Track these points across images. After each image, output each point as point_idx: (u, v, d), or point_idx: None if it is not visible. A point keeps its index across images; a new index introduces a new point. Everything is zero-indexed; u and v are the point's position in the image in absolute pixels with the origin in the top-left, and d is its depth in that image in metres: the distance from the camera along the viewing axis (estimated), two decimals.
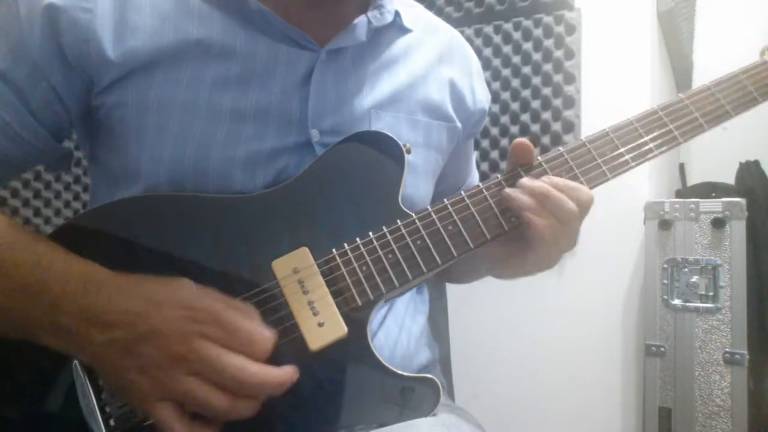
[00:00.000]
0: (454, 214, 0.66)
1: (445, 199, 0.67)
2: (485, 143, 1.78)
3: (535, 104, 1.71)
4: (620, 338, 1.64)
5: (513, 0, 1.73)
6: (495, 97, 1.75)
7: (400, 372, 0.63)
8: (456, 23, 1.81)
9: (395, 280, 0.63)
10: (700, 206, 1.46)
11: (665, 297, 1.48)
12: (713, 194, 1.70)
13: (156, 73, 0.65)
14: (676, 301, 1.47)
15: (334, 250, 0.63)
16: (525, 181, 0.66)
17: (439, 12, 1.82)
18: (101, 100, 0.67)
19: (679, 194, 1.97)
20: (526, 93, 1.73)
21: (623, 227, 1.60)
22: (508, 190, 0.67)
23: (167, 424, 0.53)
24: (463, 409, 0.78)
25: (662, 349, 1.47)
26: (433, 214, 0.66)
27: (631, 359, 1.62)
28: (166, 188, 0.66)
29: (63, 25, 0.63)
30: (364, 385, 0.62)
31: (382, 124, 0.73)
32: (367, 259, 0.63)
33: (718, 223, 1.43)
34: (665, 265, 1.49)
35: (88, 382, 0.57)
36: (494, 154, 1.77)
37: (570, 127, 1.66)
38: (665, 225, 1.49)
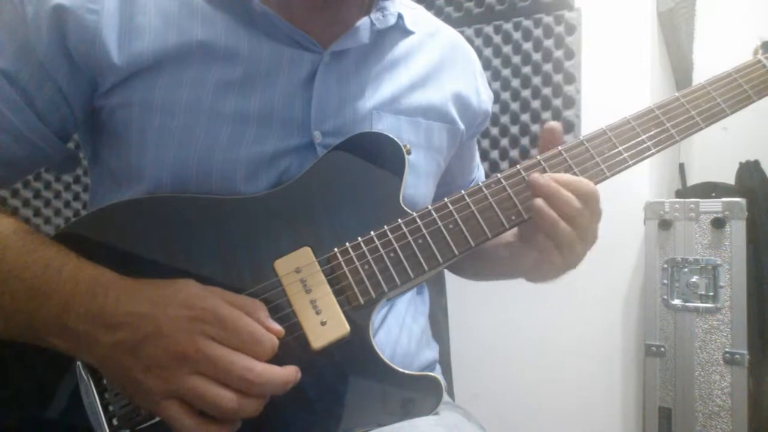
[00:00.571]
0: (455, 212, 0.66)
1: (445, 198, 0.67)
2: (485, 143, 1.78)
3: (535, 104, 1.71)
4: (620, 338, 1.64)
5: (513, 0, 1.73)
6: (495, 97, 1.75)
7: (402, 371, 0.63)
8: (456, 23, 1.81)
9: (397, 278, 0.63)
10: (700, 206, 1.46)
11: (665, 297, 1.48)
12: (713, 194, 1.70)
13: (160, 75, 0.66)
14: (676, 301, 1.47)
15: (335, 248, 0.64)
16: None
17: (439, 12, 1.83)
18: (105, 102, 0.67)
19: (679, 194, 1.97)
20: (526, 93, 1.73)
21: (623, 227, 1.59)
22: (535, 175, 0.67)
23: (178, 420, 0.53)
24: (464, 408, 0.78)
25: (662, 349, 1.47)
26: (434, 212, 0.66)
27: (631, 359, 1.62)
28: (169, 189, 0.66)
29: (70, 25, 0.63)
30: (366, 384, 0.62)
31: (383, 126, 0.74)
32: (369, 257, 0.64)
33: (718, 223, 1.43)
34: (665, 265, 1.49)
35: (91, 381, 0.57)
36: (494, 154, 1.77)
37: (570, 127, 1.66)
38: (665, 225, 1.49)
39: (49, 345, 0.57)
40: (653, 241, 1.51)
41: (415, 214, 0.66)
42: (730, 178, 1.81)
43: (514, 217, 0.67)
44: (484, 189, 0.68)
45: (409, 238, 0.65)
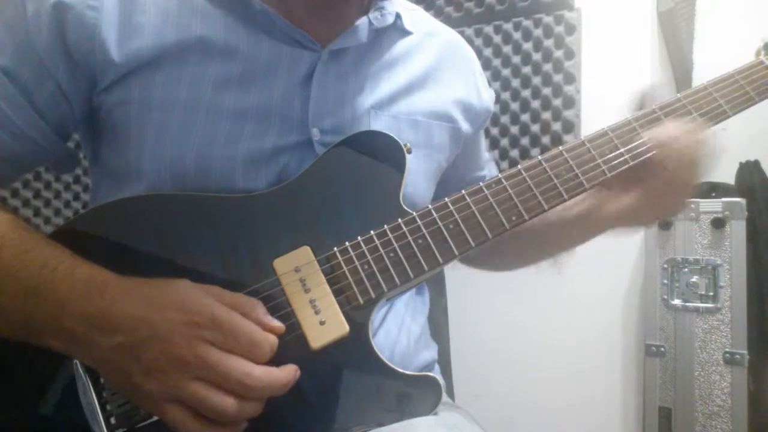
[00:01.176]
0: (455, 212, 0.66)
1: (446, 198, 0.67)
2: (485, 143, 1.78)
3: (535, 104, 1.71)
4: (620, 338, 1.64)
5: (513, 0, 1.73)
6: (495, 97, 1.75)
7: (401, 371, 0.63)
8: (456, 23, 1.81)
9: (397, 279, 0.63)
10: (700, 206, 1.46)
11: (665, 297, 1.48)
12: (713, 194, 1.70)
13: (159, 72, 0.66)
14: (676, 301, 1.47)
15: (335, 248, 0.63)
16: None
17: (439, 12, 1.83)
18: (104, 99, 0.67)
19: None
20: (526, 93, 1.73)
21: None
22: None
23: (181, 423, 0.53)
24: (463, 408, 0.78)
25: (662, 349, 1.47)
26: (434, 212, 0.66)
27: (631, 359, 1.62)
28: (168, 187, 0.66)
29: (70, 22, 0.63)
30: (365, 384, 0.62)
31: (381, 125, 0.74)
32: (369, 257, 0.63)
33: (718, 223, 1.43)
34: (665, 265, 1.49)
35: (89, 381, 0.57)
36: (494, 154, 1.77)
37: (570, 127, 1.66)
38: (665, 225, 1.49)
39: (45, 345, 0.56)
40: (653, 241, 1.51)
41: (415, 213, 0.66)
42: (730, 178, 1.81)
43: (514, 217, 0.67)
44: (484, 189, 0.68)
45: (409, 238, 0.65)
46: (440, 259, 0.64)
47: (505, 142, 1.76)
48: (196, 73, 0.66)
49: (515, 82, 1.74)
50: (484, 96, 0.88)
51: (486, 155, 1.00)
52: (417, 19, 0.83)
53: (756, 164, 1.77)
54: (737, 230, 1.42)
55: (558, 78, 1.68)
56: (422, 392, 0.63)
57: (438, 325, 0.98)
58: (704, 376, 1.42)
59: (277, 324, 0.57)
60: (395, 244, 0.64)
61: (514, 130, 1.75)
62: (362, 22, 0.73)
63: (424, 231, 0.65)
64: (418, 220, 0.65)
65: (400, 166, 0.68)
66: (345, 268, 0.63)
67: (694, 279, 1.45)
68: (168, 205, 0.65)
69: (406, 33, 0.80)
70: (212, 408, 0.52)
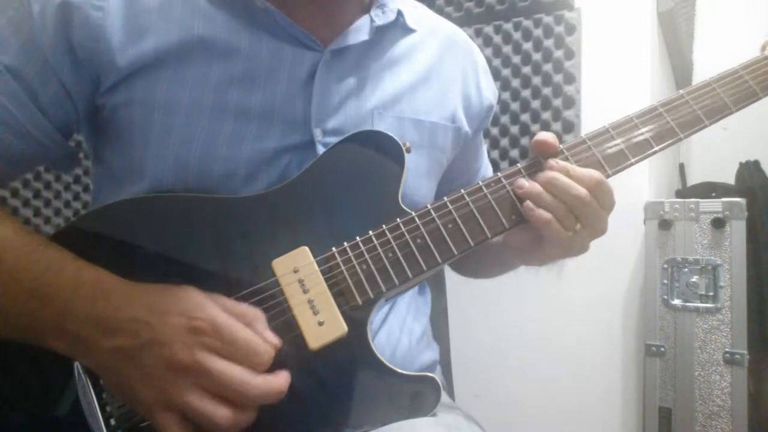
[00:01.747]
0: (454, 212, 0.66)
1: (445, 198, 0.67)
2: (485, 143, 1.78)
3: (535, 104, 1.71)
4: (620, 338, 1.63)
5: (513, 0, 1.73)
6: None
7: (399, 371, 0.63)
8: (456, 23, 1.79)
9: (395, 278, 0.63)
10: (700, 206, 1.46)
11: (665, 297, 1.48)
12: (713, 194, 1.70)
13: (162, 73, 0.66)
14: (676, 301, 1.47)
15: (334, 248, 0.63)
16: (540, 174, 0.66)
17: (439, 12, 1.81)
18: (107, 100, 0.67)
19: (679, 194, 1.97)
20: (526, 93, 1.73)
21: (623, 227, 1.59)
22: (520, 180, 0.67)
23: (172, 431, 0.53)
24: (463, 409, 0.78)
25: (662, 349, 1.47)
26: (432, 212, 0.66)
27: (631, 359, 1.62)
28: (171, 187, 0.66)
29: (75, 21, 0.64)
30: (363, 385, 0.62)
31: (384, 125, 0.73)
32: (367, 257, 0.63)
33: (718, 223, 1.43)
34: (665, 265, 1.49)
35: (89, 382, 0.57)
36: (494, 154, 1.77)
37: (570, 127, 1.66)
38: (665, 225, 1.49)
39: (48, 347, 0.57)
40: (653, 241, 1.50)
41: (413, 213, 0.66)
42: (730, 178, 1.81)
43: (514, 216, 0.67)
44: (484, 188, 0.67)
45: (408, 238, 0.64)
46: (439, 259, 0.64)
47: (505, 142, 1.76)
48: (199, 74, 0.66)
49: (515, 82, 1.74)
50: (486, 93, 0.87)
51: (485, 152, 1.00)
52: (420, 17, 0.83)
53: (756, 164, 1.77)
54: (737, 230, 1.42)
55: (558, 78, 1.68)
56: (421, 392, 0.63)
57: (438, 326, 0.98)
58: (704, 376, 1.42)
59: (273, 340, 0.57)
60: (394, 244, 0.64)
61: (514, 130, 1.75)
62: (363, 19, 0.73)
63: (423, 231, 0.65)
64: (416, 219, 0.65)
65: (399, 165, 0.68)
66: (343, 268, 0.63)
67: (694, 279, 1.45)
68: (167, 206, 0.65)
69: (409, 31, 0.80)
70: (206, 419, 0.53)
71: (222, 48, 0.67)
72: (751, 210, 1.45)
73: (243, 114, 0.67)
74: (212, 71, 0.67)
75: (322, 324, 0.60)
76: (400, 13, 0.77)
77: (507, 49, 1.75)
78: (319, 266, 0.62)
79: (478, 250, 0.67)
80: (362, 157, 0.68)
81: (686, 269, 1.46)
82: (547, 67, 1.69)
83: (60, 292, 0.56)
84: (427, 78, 0.79)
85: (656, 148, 0.71)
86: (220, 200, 0.65)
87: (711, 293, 1.43)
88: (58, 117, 0.67)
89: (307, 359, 0.60)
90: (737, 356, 1.39)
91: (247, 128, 0.67)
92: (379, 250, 0.64)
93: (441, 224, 0.65)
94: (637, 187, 1.59)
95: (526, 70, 1.72)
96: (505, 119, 1.76)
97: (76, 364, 0.57)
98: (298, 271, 0.62)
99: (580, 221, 0.66)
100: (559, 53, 1.67)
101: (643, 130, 0.71)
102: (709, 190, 1.77)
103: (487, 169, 1.00)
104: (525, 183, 0.66)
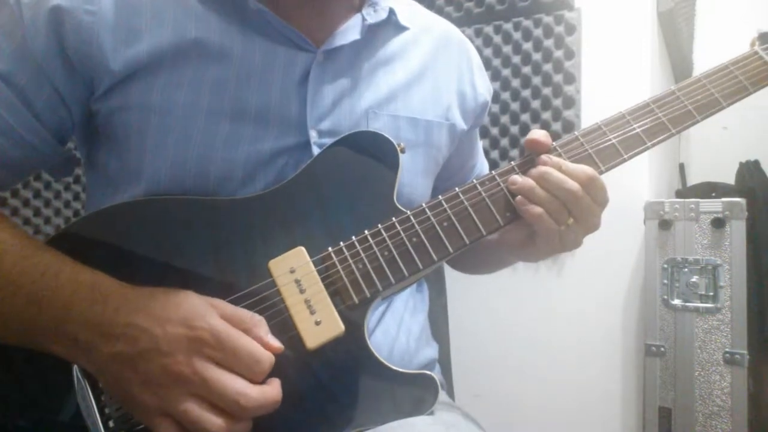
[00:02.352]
0: (449, 210, 0.66)
1: (440, 196, 0.67)
2: (485, 143, 1.78)
3: (535, 104, 1.71)
4: (620, 338, 1.63)
5: (513, 0, 1.73)
6: (495, 97, 1.75)
7: (397, 369, 0.63)
8: (456, 23, 1.79)
9: (391, 277, 0.63)
10: (700, 206, 1.46)
11: (665, 297, 1.48)
12: (713, 194, 1.70)
13: (157, 77, 0.65)
14: (676, 301, 1.47)
15: (330, 248, 0.64)
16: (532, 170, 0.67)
17: (439, 12, 1.82)
18: (102, 105, 0.67)
19: (679, 194, 1.97)
20: (526, 93, 1.72)
21: (623, 227, 1.59)
22: (513, 176, 0.67)
23: None
24: (462, 408, 0.78)
25: (662, 349, 1.47)
26: (428, 210, 0.66)
27: (631, 359, 1.62)
28: (168, 190, 0.66)
29: (67, 26, 0.63)
30: (361, 383, 0.62)
31: (379, 124, 0.73)
32: (363, 256, 0.64)
33: (718, 223, 1.43)
34: (665, 265, 1.48)
35: (87, 385, 0.57)
36: (494, 154, 1.77)
37: (570, 127, 1.66)
38: (665, 225, 1.49)
39: (47, 351, 0.57)
40: (653, 241, 1.50)
41: (409, 212, 0.66)
42: (730, 178, 1.81)
43: (508, 213, 0.67)
44: (478, 186, 0.68)
45: (403, 236, 0.65)
46: (435, 257, 0.64)
47: (505, 142, 1.76)
48: (194, 77, 0.66)
49: (515, 82, 1.74)
50: (480, 90, 0.87)
51: (481, 149, 1.00)
52: (413, 14, 0.83)
53: (756, 164, 1.77)
54: (737, 230, 1.42)
55: (558, 78, 1.68)
56: (419, 391, 0.63)
57: (438, 325, 0.98)
58: (704, 376, 1.42)
59: (276, 344, 0.57)
60: (389, 243, 0.64)
61: (514, 130, 1.75)
62: (355, 18, 0.73)
63: (418, 228, 0.65)
64: (412, 218, 0.65)
65: (393, 165, 0.68)
66: (339, 268, 0.63)
67: (694, 279, 1.45)
68: (164, 208, 0.65)
69: (402, 29, 0.80)
70: (201, 429, 0.52)
71: (216, 50, 0.67)
72: (751, 210, 1.45)
73: (239, 116, 0.67)
74: (207, 74, 0.66)
75: (319, 324, 0.60)
76: (392, 11, 0.77)
77: (507, 49, 1.75)
78: (315, 266, 0.62)
79: (474, 247, 0.67)
80: (357, 158, 0.68)
81: (686, 269, 1.46)
82: (547, 67, 1.69)
83: (58, 296, 0.56)
84: (422, 76, 0.79)
85: (648, 144, 0.71)
86: (216, 202, 0.65)
87: (711, 293, 1.43)
88: (52, 122, 0.67)
89: (305, 359, 0.60)
90: (737, 356, 1.39)
91: (244, 130, 0.67)
92: (375, 249, 0.64)
93: (436, 222, 0.66)
94: (637, 187, 1.59)
95: (526, 70, 1.72)
96: (505, 119, 1.76)
97: (75, 367, 0.57)
98: (294, 271, 0.62)
99: (573, 216, 0.66)
100: (559, 53, 1.67)
101: (635, 126, 0.71)
102: (709, 190, 1.77)
103: (483, 166, 1.00)
104: (518, 179, 0.67)
